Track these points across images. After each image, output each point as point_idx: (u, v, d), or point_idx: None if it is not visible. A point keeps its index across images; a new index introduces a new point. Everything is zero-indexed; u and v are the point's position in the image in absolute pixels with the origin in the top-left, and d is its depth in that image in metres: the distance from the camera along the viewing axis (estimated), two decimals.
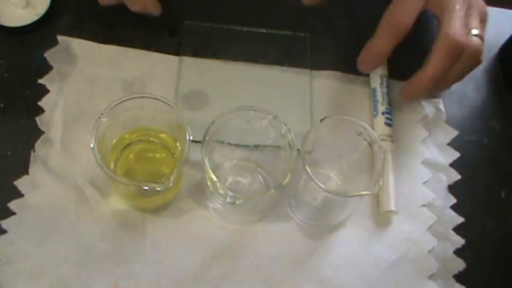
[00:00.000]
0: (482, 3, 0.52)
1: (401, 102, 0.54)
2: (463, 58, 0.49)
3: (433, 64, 0.48)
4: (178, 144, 0.46)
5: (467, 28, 0.49)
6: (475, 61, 0.50)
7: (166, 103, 0.43)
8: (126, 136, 0.47)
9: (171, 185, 0.42)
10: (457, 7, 0.49)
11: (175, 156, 0.47)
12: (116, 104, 0.43)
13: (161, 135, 0.47)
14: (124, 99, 0.43)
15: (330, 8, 0.59)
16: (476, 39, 0.49)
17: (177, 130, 0.44)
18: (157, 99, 0.43)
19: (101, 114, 0.42)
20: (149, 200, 0.47)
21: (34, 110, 0.50)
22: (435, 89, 0.51)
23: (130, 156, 0.47)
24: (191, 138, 0.42)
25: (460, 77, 0.51)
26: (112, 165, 0.46)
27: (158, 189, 0.42)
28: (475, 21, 0.50)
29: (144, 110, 0.44)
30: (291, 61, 0.56)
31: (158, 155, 0.48)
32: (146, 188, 0.42)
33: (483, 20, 0.51)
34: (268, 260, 0.47)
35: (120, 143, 0.47)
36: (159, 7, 0.53)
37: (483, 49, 0.49)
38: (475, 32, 0.49)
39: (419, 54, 0.53)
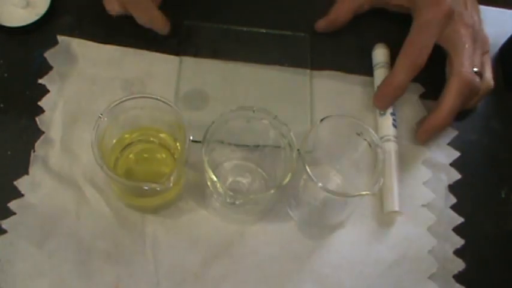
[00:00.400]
0: (484, 33, 0.54)
1: (401, 102, 0.54)
2: (470, 94, 0.51)
3: (449, 102, 0.51)
4: (178, 144, 0.46)
5: (472, 66, 0.51)
6: (473, 97, 0.53)
7: (166, 103, 0.43)
8: (126, 136, 0.47)
9: (171, 185, 0.42)
10: (466, 44, 0.51)
11: (175, 156, 0.47)
12: (116, 104, 0.43)
13: (161, 135, 0.47)
14: (124, 99, 0.43)
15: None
16: (477, 78, 0.51)
17: (177, 130, 0.44)
18: (157, 99, 0.43)
19: (101, 114, 0.42)
20: (149, 200, 0.47)
21: (34, 110, 0.50)
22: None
23: (130, 156, 0.47)
24: (191, 138, 0.42)
25: (461, 109, 0.53)
26: (112, 165, 0.46)
27: (158, 189, 0.42)
28: (477, 58, 0.52)
29: (144, 110, 0.44)
30: (291, 61, 0.56)
31: (158, 155, 0.48)
32: (146, 188, 0.42)
33: (486, 51, 0.54)
34: (268, 260, 0.47)
35: (120, 143, 0.47)
36: (167, 25, 0.54)
37: (481, 86, 0.52)
38: (475, 69, 0.51)
39: None
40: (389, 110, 0.53)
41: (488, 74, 0.54)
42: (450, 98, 0.50)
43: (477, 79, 0.51)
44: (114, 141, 0.46)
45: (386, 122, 0.52)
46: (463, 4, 0.53)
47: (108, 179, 0.44)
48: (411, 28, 0.53)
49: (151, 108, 0.44)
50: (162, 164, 0.48)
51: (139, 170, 0.48)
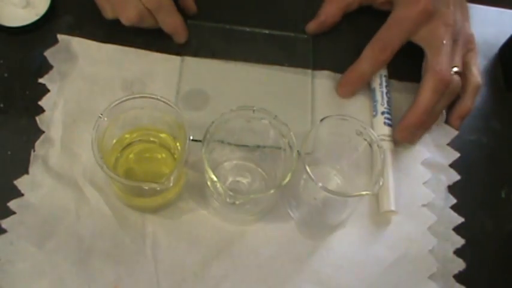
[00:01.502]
0: (469, 30, 0.54)
1: (401, 102, 0.54)
2: (447, 92, 0.51)
3: (424, 99, 0.50)
4: (178, 144, 0.46)
5: (451, 65, 0.51)
6: (454, 96, 0.53)
7: (166, 103, 0.43)
8: (127, 136, 0.47)
9: (171, 184, 0.42)
10: (444, 41, 0.51)
11: (175, 156, 0.47)
12: (116, 104, 0.43)
13: (161, 135, 0.47)
14: (124, 99, 0.43)
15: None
16: (456, 77, 0.51)
17: (177, 130, 0.44)
18: (157, 99, 0.43)
19: (101, 114, 0.42)
20: (149, 200, 0.47)
21: (34, 110, 0.50)
22: (426, 125, 0.53)
23: (131, 156, 0.47)
24: (191, 138, 0.42)
25: (443, 109, 0.53)
26: (112, 165, 0.46)
27: (158, 189, 0.42)
28: (458, 57, 0.52)
29: (145, 110, 0.44)
30: (292, 62, 0.56)
31: (158, 155, 0.48)
32: (146, 187, 0.42)
33: (471, 48, 0.54)
34: (268, 260, 0.47)
35: (120, 142, 0.47)
36: (186, 34, 0.54)
37: (461, 85, 0.52)
38: (455, 69, 0.51)
39: (418, 54, 0.53)
40: (380, 109, 0.53)
41: (475, 72, 0.53)
42: (425, 95, 0.50)
43: (453, 76, 0.51)
44: (114, 141, 0.46)
45: (379, 122, 0.52)
46: (445, 3, 0.52)
47: (108, 178, 0.44)
48: (385, 22, 0.53)
49: (151, 108, 0.44)
50: (162, 164, 0.48)
51: (140, 170, 0.48)
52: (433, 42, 0.52)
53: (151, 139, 0.48)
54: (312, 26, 0.57)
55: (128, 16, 0.51)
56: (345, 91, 0.54)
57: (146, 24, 0.52)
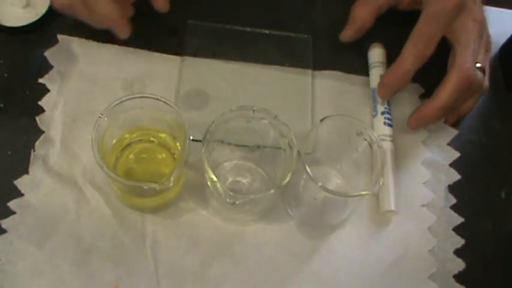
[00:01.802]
0: (489, 32, 0.54)
1: (401, 102, 0.54)
2: (470, 90, 0.51)
3: (445, 94, 0.50)
4: (178, 144, 0.46)
5: (475, 61, 0.51)
6: (477, 93, 0.53)
7: (166, 103, 0.43)
8: (126, 136, 0.47)
9: (171, 184, 0.42)
10: (472, 38, 0.51)
11: (175, 156, 0.47)
12: (116, 104, 0.43)
13: (161, 135, 0.47)
14: (124, 99, 0.43)
15: (331, 8, 0.59)
16: (479, 73, 0.51)
17: (177, 130, 0.44)
18: (157, 99, 0.43)
19: (101, 114, 0.42)
20: (149, 200, 0.47)
21: (34, 110, 0.50)
22: (444, 119, 0.54)
23: (130, 156, 0.47)
24: (191, 138, 0.42)
25: (467, 107, 0.54)
26: (112, 165, 0.46)
27: (158, 188, 0.42)
28: (481, 54, 0.52)
29: (144, 109, 0.44)
30: (292, 62, 0.56)
31: (158, 155, 0.48)
32: (146, 187, 0.42)
33: (487, 49, 0.54)
34: (268, 260, 0.47)
35: (120, 143, 0.47)
36: (127, 29, 0.50)
37: (484, 82, 0.52)
38: (478, 65, 0.51)
39: None
40: (380, 109, 0.53)
41: (486, 74, 0.54)
42: (447, 90, 0.50)
43: (479, 75, 0.51)
44: (114, 141, 0.46)
45: (379, 122, 0.52)
46: None
47: (108, 179, 0.44)
48: (420, 17, 0.51)
49: (151, 108, 0.44)
50: (162, 164, 0.48)
51: (139, 170, 0.48)
52: (462, 37, 0.51)
53: (151, 139, 0.48)
54: (348, 33, 0.55)
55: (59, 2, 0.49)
56: (387, 91, 0.52)
57: (79, 15, 0.49)
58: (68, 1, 0.48)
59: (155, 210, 0.48)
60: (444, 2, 0.51)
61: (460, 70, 0.50)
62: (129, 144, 0.47)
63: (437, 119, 0.52)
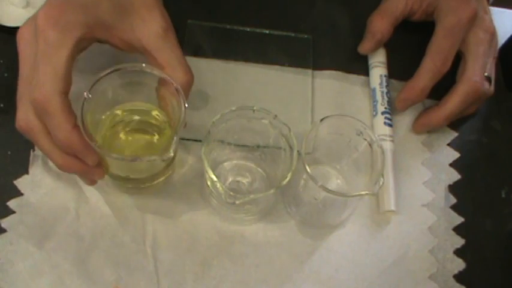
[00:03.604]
0: (497, 39, 0.55)
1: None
2: (477, 101, 0.52)
3: (453, 105, 0.51)
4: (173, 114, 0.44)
5: (484, 73, 0.52)
6: (481, 101, 0.54)
7: (157, 75, 0.42)
8: (117, 112, 0.46)
9: (172, 154, 0.40)
10: (482, 50, 0.52)
11: (165, 132, 0.45)
12: (102, 77, 0.42)
13: (153, 113, 0.46)
14: (109, 71, 0.42)
15: (331, 8, 0.59)
16: (487, 84, 0.52)
17: (171, 98, 0.43)
18: (150, 72, 0.42)
19: (86, 92, 0.41)
20: (146, 179, 0.46)
21: None
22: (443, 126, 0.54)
23: (121, 134, 0.46)
24: (187, 105, 0.41)
25: (469, 112, 0.54)
26: (104, 142, 0.45)
27: (157, 160, 0.41)
28: (489, 64, 0.53)
29: (134, 84, 0.43)
30: (292, 62, 0.56)
31: (150, 132, 0.47)
32: (149, 159, 0.40)
33: (495, 56, 0.54)
34: (268, 260, 0.47)
35: (111, 119, 0.46)
36: (98, 172, 0.43)
37: (490, 90, 0.53)
38: (486, 74, 0.52)
39: (418, 54, 0.53)
40: (380, 109, 0.53)
41: (492, 81, 0.54)
42: (454, 102, 0.51)
43: (486, 85, 0.51)
44: (104, 117, 0.45)
45: (379, 121, 0.52)
46: (483, 8, 0.53)
47: (105, 159, 0.43)
48: (436, 31, 0.52)
49: (141, 82, 0.43)
50: (154, 142, 0.47)
51: (131, 148, 0.47)
52: (473, 48, 0.52)
53: (143, 116, 0.47)
54: (367, 46, 0.55)
55: (17, 118, 0.42)
56: (404, 105, 0.53)
57: (38, 143, 0.41)
58: (24, 120, 0.41)
59: (153, 189, 0.47)
60: (459, 14, 0.51)
61: (469, 84, 0.51)
62: (120, 122, 0.46)
63: (442, 126, 0.53)
